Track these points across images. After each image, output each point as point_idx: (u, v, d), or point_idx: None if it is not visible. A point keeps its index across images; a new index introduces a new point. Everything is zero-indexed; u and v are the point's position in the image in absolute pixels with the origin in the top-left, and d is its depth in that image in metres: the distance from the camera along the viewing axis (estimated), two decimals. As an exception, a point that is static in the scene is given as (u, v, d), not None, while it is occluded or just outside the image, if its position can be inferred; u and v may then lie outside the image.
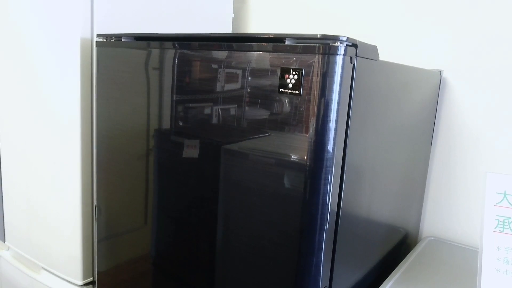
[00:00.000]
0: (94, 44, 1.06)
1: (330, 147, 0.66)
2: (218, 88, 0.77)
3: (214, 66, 0.77)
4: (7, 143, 1.34)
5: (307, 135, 0.66)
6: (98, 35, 1.01)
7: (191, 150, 0.85)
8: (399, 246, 1.11)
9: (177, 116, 0.85)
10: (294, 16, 1.50)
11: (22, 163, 1.28)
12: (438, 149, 1.23)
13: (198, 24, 1.38)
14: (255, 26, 1.61)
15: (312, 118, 0.66)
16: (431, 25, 1.21)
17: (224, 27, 1.50)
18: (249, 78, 0.72)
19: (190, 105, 0.82)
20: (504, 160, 1.13)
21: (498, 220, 0.82)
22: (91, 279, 1.19)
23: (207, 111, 0.80)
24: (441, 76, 1.18)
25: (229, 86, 0.76)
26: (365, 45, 0.69)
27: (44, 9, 1.11)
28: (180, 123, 0.85)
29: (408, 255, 1.07)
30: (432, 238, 1.21)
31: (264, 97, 0.70)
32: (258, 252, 0.75)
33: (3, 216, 1.41)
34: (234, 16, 1.60)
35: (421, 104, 1.06)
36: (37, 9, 1.13)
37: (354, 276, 0.85)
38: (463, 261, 1.06)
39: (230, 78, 0.75)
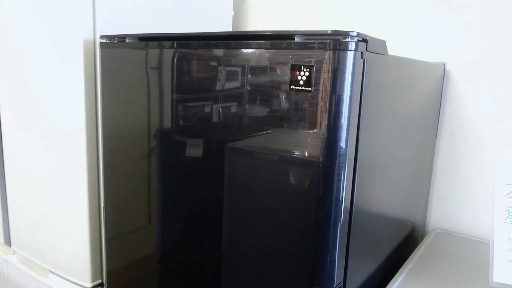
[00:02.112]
0: (98, 45, 1.06)
1: (342, 143, 0.66)
2: (226, 87, 0.77)
3: (219, 64, 0.77)
4: (11, 146, 1.33)
5: (319, 132, 0.66)
6: (102, 36, 1.01)
7: (194, 149, 0.84)
8: (407, 240, 1.11)
9: (186, 115, 0.85)
10: (294, 12, 1.49)
11: (27, 166, 1.27)
12: (443, 142, 1.23)
13: (198, 22, 1.37)
14: (255, 23, 1.60)
15: (324, 114, 0.65)
16: (433, 17, 1.21)
17: (224, 25, 1.49)
18: (259, 76, 0.72)
19: (198, 104, 0.82)
20: (508, 151, 1.13)
21: (509, 211, 0.82)
22: (100, 281, 1.18)
23: (215, 110, 0.79)
24: (444, 69, 1.18)
25: (237, 85, 0.75)
26: (375, 40, 0.69)
27: (45, 12, 1.10)
28: (191, 123, 0.84)
29: (417, 248, 1.08)
30: (439, 230, 1.22)
31: (274, 95, 0.70)
32: (271, 250, 0.75)
33: (8, 221, 1.41)
34: (234, 13, 1.60)
35: (426, 97, 1.06)
36: (38, 12, 1.12)
37: (366, 271, 0.85)
38: (472, 253, 1.07)
39: (238, 76, 0.75)
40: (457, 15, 1.17)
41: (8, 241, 1.43)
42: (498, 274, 0.81)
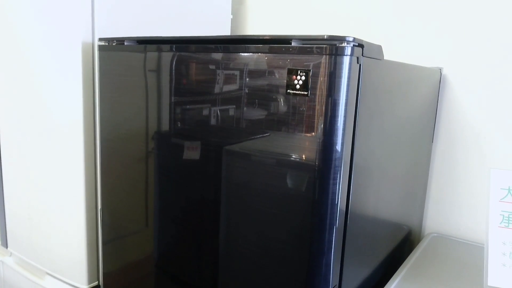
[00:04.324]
0: (96, 48, 1.06)
1: (338, 147, 0.67)
2: (223, 90, 0.78)
3: (217, 68, 0.78)
4: (9, 148, 1.33)
5: (315, 136, 0.67)
6: (100, 39, 1.01)
7: (192, 152, 0.85)
8: (403, 243, 1.12)
9: (184, 118, 0.85)
10: (292, 16, 1.50)
11: (24, 168, 1.27)
12: (439, 146, 1.24)
13: (196, 26, 1.38)
14: (253, 27, 1.61)
15: (320, 118, 0.66)
16: (429, 22, 1.22)
17: (222, 29, 1.50)
18: (257, 79, 0.73)
19: (196, 107, 0.83)
20: (504, 156, 1.14)
21: (503, 215, 0.83)
22: (96, 283, 1.18)
23: (213, 113, 0.80)
24: (441, 73, 1.19)
25: (234, 88, 0.76)
26: (371, 45, 0.69)
27: (45, 14, 1.11)
28: (189, 126, 0.85)
29: (412, 252, 1.08)
30: (435, 234, 1.22)
31: (271, 98, 0.71)
32: (267, 253, 0.75)
33: (5, 222, 1.41)
34: (233, 17, 1.60)
35: (423, 101, 1.07)
36: (37, 14, 1.13)
37: (362, 274, 0.86)
38: (467, 257, 1.07)
39: (235, 80, 0.75)
40: (454, 20, 1.18)
41: (4, 243, 1.43)
42: (493, 278, 0.81)
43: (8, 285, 1.44)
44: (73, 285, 1.19)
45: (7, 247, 1.43)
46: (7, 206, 1.39)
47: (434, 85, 1.14)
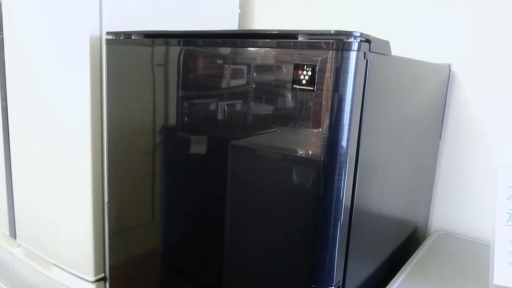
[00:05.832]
0: (104, 41, 1.06)
1: (344, 143, 0.66)
2: (230, 85, 0.78)
3: (225, 62, 0.78)
4: (17, 141, 1.35)
5: (321, 131, 0.66)
6: (108, 33, 1.01)
7: (198, 146, 0.85)
8: (409, 241, 1.12)
9: (191, 113, 0.85)
10: (299, 11, 1.49)
11: (32, 161, 1.29)
12: (447, 143, 1.23)
13: (204, 20, 1.38)
14: (261, 21, 1.60)
15: (326, 114, 0.66)
16: (439, 18, 1.21)
17: (230, 23, 1.50)
18: (263, 74, 0.72)
19: (203, 101, 0.83)
20: (513, 154, 1.13)
21: (510, 213, 0.82)
22: (102, 275, 1.20)
23: (220, 107, 0.80)
24: (450, 70, 1.18)
25: (241, 83, 0.76)
26: (378, 40, 0.69)
27: (53, 8, 1.11)
28: (196, 121, 0.85)
29: (418, 249, 1.08)
30: (441, 232, 1.22)
31: (277, 94, 0.71)
32: (271, 248, 0.75)
33: (14, 214, 1.43)
34: (240, 11, 1.60)
35: (430, 98, 1.06)
36: (46, 8, 1.13)
37: (366, 271, 0.86)
38: (473, 255, 1.07)
39: (242, 74, 0.75)
40: (463, 16, 1.17)
41: (13, 234, 1.45)
42: (498, 276, 0.81)
43: (16, 275, 1.46)
44: (79, 277, 1.21)
45: (15, 239, 1.44)
46: (16, 198, 1.40)
47: (442, 81, 1.13)
